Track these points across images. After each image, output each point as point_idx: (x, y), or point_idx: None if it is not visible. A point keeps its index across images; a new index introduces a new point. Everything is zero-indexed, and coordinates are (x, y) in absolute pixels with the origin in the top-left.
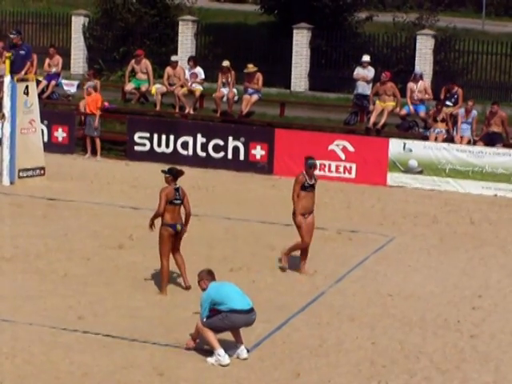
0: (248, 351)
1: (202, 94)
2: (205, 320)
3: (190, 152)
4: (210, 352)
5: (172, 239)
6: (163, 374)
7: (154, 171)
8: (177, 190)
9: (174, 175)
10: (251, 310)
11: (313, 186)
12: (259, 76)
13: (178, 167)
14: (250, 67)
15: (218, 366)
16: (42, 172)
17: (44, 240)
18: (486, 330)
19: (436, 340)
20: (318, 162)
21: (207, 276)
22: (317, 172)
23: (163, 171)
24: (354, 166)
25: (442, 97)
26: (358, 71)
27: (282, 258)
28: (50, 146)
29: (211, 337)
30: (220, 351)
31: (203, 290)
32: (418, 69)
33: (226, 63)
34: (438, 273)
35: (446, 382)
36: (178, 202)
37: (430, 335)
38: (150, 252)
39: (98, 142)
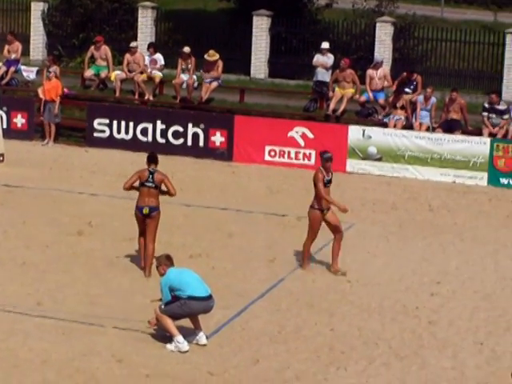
0: (207, 337)
1: (161, 80)
2: (163, 307)
3: (150, 138)
4: (169, 338)
5: (143, 222)
6: (122, 360)
7: (113, 158)
8: (151, 173)
9: (148, 158)
10: (209, 297)
11: (330, 181)
12: (219, 63)
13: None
14: (211, 54)
15: (177, 353)
16: (1, 159)
17: (2, 227)
18: (444, 316)
19: (394, 326)
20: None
21: (166, 261)
22: (282, 160)
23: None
24: (313, 153)
25: (397, 84)
26: (318, 58)
27: (303, 262)
28: (9, 133)
29: (170, 324)
30: (179, 338)
31: (161, 275)
32: (378, 56)
33: (186, 49)
34: (397, 259)
35: (405, 367)
36: (150, 184)
37: (389, 321)
38: (108, 239)
39: (53, 128)
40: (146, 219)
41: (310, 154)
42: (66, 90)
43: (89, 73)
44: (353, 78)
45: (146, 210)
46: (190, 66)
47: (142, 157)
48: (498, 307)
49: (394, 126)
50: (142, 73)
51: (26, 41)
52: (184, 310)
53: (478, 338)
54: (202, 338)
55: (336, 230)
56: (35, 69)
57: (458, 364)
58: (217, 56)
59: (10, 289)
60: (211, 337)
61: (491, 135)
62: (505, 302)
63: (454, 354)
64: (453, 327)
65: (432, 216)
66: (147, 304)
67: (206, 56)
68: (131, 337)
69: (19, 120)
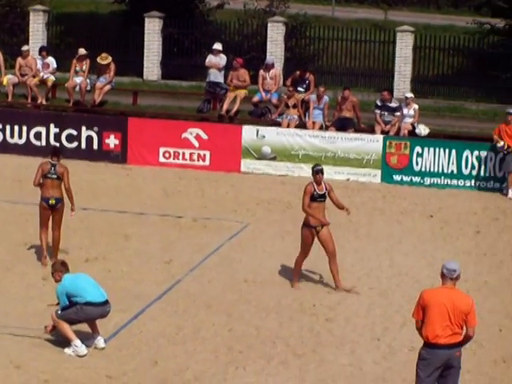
0: (105, 341)
1: (54, 83)
2: (59, 312)
3: (43, 143)
4: (66, 343)
5: (49, 213)
6: (20, 366)
7: (7, 163)
8: (53, 165)
9: (50, 151)
10: (106, 303)
11: (323, 196)
12: (112, 66)
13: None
14: (104, 57)
15: (76, 357)
16: None
17: None
18: (341, 313)
19: (292, 324)
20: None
21: (61, 267)
22: (177, 161)
23: None
24: (207, 154)
25: (289, 83)
26: (210, 59)
27: (293, 280)
28: None
29: (67, 329)
30: (77, 342)
31: (57, 281)
32: (269, 58)
33: (82, 51)
34: (293, 258)
35: (303, 365)
36: (53, 176)
37: (286, 320)
38: (3, 244)
39: None
40: (51, 211)
41: (204, 154)
42: None
43: None
44: (245, 77)
45: (52, 201)
46: (84, 67)
47: (36, 161)
48: (394, 303)
49: (288, 126)
50: (34, 77)
51: None
52: (80, 315)
53: (374, 334)
54: (99, 341)
55: (326, 248)
56: None
57: (355, 360)
58: (109, 59)
59: None
60: (109, 340)
61: (383, 133)
62: (400, 298)
63: (352, 350)
64: (350, 324)
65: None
66: (44, 309)
67: (98, 59)
68: (28, 343)
69: None
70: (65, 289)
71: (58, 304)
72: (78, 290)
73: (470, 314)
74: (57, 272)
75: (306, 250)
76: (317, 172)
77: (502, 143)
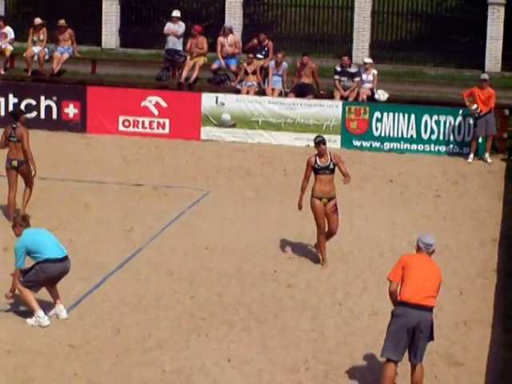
0: (67, 311)
1: (12, 53)
2: (21, 279)
3: (2, 112)
4: (29, 313)
5: (14, 174)
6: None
7: None
8: (14, 128)
9: (12, 115)
10: (65, 258)
11: (327, 168)
12: (71, 33)
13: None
14: (62, 22)
15: (38, 327)
16: None
17: None
18: (302, 279)
19: (254, 291)
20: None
21: (22, 222)
22: (136, 129)
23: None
24: (167, 122)
25: (247, 50)
26: (169, 26)
27: (319, 253)
28: None
29: (30, 298)
30: (40, 313)
31: (17, 235)
32: (227, 23)
33: (38, 20)
34: (254, 225)
35: (266, 331)
36: (14, 139)
37: (248, 286)
38: None
39: None
40: (16, 172)
41: (163, 122)
42: None
43: None
44: (203, 44)
45: (14, 163)
46: (42, 37)
47: None
48: (355, 268)
49: (247, 93)
50: None
51: None
52: (41, 275)
53: (336, 299)
54: (62, 311)
55: (329, 226)
56: None
57: (317, 326)
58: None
59: None
60: (71, 309)
61: (343, 98)
62: (361, 263)
63: (314, 315)
64: (311, 290)
65: (287, 180)
66: (6, 278)
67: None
68: None
69: None
70: (24, 244)
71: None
72: (37, 245)
73: (439, 285)
74: (17, 226)
75: (319, 222)
76: (318, 143)
77: (475, 106)
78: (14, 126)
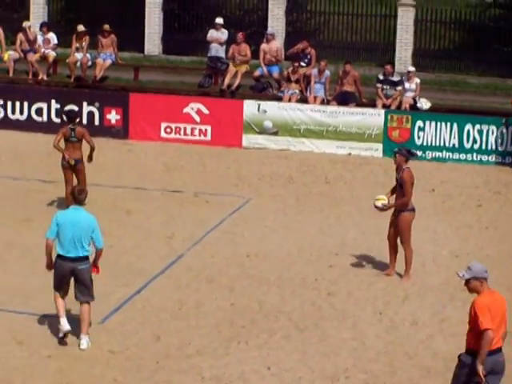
0: (107, 317)
1: (55, 59)
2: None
3: (45, 118)
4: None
5: (70, 172)
6: (23, 342)
7: (8, 139)
8: (73, 129)
9: (67, 117)
10: (76, 259)
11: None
12: (114, 39)
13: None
14: (106, 27)
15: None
16: None
17: None
18: (342, 287)
19: (294, 299)
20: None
21: (75, 195)
22: (178, 136)
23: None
24: (209, 129)
25: (291, 54)
26: (212, 33)
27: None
28: None
29: (57, 303)
30: (62, 320)
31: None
32: (270, 29)
33: (80, 27)
34: (295, 232)
35: (305, 339)
36: (74, 139)
37: (288, 294)
38: (5, 220)
39: None
40: (71, 171)
41: (205, 129)
42: None
43: None
44: (246, 52)
45: (71, 161)
46: (84, 44)
47: (37, 137)
48: (396, 277)
49: (289, 100)
50: (35, 52)
51: None
52: (55, 272)
53: (376, 308)
54: (82, 342)
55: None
56: None
57: (357, 334)
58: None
59: None
60: (112, 315)
61: (385, 107)
62: (402, 272)
63: (354, 324)
64: (351, 298)
65: (329, 188)
66: (47, 284)
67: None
68: (31, 318)
69: None
70: (55, 221)
71: None
72: (60, 233)
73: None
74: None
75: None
76: (394, 154)
77: None
78: (71, 127)
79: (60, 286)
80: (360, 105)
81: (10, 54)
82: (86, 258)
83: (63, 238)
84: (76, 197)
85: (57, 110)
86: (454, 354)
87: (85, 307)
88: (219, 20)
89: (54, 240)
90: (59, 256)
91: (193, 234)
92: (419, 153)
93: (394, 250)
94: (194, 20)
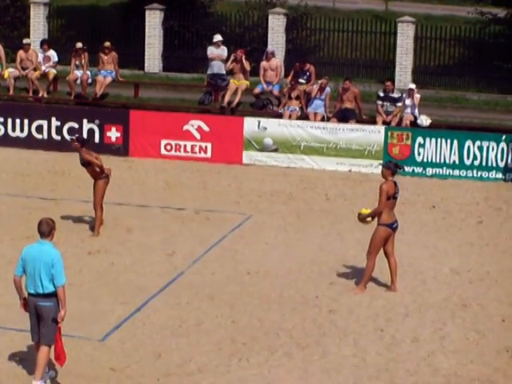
0: (108, 334)
1: (55, 77)
2: None
3: (45, 136)
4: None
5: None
6: (24, 359)
7: (8, 156)
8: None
9: (81, 142)
10: (37, 296)
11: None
12: (114, 56)
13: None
14: (107, 44)
15: (79, 350)
16: None
17: None
18: (343, 304)
19: (295, 316)
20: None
21: (41, 229)
22: (179, 153)
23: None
24: (209, 146)
25: (291, 76)
26: (212, 51)
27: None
28: None
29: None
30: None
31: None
32: (270, 47)
33: (79, 45)
34: (296, 249)
35: (306, 356)
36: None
37: (289, 311)
38: (6, 237)
39: None
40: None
41: (206, 146)
42: None
43: None
44: (244, 69)
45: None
46: (83, 61)
47: (38, 154)
48: (396, 294)
49: (289, 117)
50: (35, 70)
51: None
52: (28, 311)
53: (377, 325)
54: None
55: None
56: None
57: (358, 351)
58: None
59: None
60: (112, 332)
61: (385, 123)
62: (403, 289)
63: (355, 341)
64: (352, 315)
65: (329, 205)
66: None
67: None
68: (30, 336)
69: None
70: (21, 257)
71: None
72: (25, 270)
73: None
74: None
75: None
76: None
77: None
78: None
79: (31, 327)
80: (360, 121)
81: (10, 72)
82: (48, 295)
83: (27, 274)
84: (38, 229)
85: (57, 127)
86: (455, 370)
87: (42, 350)
88: (218, 37)
89: (21, 276)
90: (28, 293)
91: (193, 251)
92: (420, 169)
93: (390, 266)
94: (194, 37)
